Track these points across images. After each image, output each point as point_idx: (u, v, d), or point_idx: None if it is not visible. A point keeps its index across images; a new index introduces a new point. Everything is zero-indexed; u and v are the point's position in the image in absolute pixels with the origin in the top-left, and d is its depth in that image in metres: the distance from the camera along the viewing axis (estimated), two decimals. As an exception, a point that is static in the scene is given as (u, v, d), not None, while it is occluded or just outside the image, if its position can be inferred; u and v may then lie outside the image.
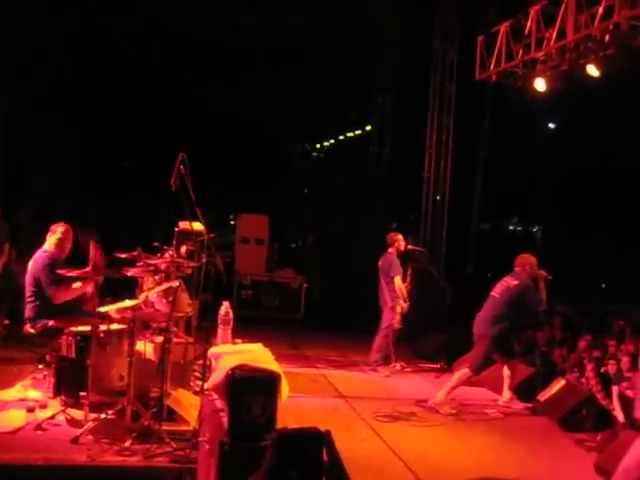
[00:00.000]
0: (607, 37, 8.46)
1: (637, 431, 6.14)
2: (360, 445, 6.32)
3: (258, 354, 3.93)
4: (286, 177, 17.15)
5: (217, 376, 3.71)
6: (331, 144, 18.95)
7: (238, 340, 4.66)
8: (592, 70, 8.97)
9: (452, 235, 13.45)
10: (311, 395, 7.68)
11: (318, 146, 19.93)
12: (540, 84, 9.86)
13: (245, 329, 7.09)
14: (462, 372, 7.69)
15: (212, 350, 4.27)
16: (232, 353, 3.88)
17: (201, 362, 6.27)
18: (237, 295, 11.53)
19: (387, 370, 9.15)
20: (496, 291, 7.79)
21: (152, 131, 15.67)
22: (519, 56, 9.74)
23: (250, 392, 3.56)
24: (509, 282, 7.73)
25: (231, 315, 4.71)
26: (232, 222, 14.59)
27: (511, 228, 31.18)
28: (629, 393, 8.45)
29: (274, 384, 3.61)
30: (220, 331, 4.61)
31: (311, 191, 18.30)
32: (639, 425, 6.53)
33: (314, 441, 0.96)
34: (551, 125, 22.89)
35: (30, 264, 6.50)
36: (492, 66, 10.29)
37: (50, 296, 6.23)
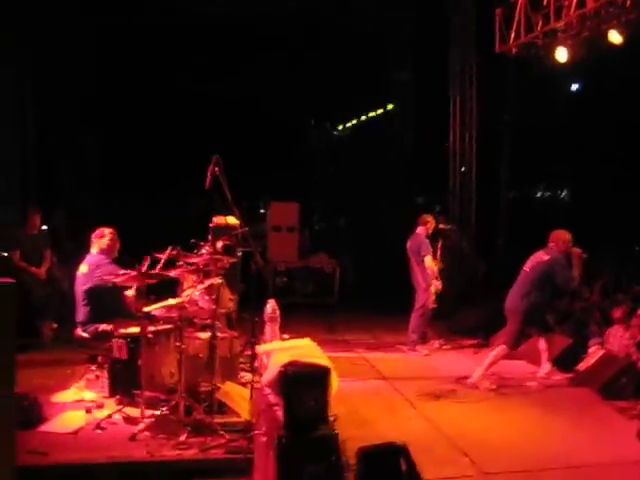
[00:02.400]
0: (628, 2, 8.41)
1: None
2: (405, 425, 6.49)
3: (307, 349, 4.10)
4: (311, 161, 17.23)
5: (270, 373, 3.88)
6: (353, 125, 18.99)
7: (286, 335, 4.82)
8: (614, 36, 8.91)
9: (481, 207, 13.48)
10: (353, 379, 7.79)
11: (341, 127, 19.99)
12: (562, 54, 9.79)
13: (283, 316, 7.29)
14: (499, 348, 7.80)
15: (262, 347, 4.45)
16: (282, 350, 4.04)
17: (247, 354, 6.51)
18: (272, 283, 11.71)
19: (426, 349, 9.29)
20: (527, 266, 7.84)
21: (172, 128, 15.76)
22: (539, 27, 9.67)
23: (303, 387, 3.73)
24: (541, 257, 7.77)
25: (278, 312, 4.87)
26: (262, 211, 14.72)
27: (539, 195, 31.00)
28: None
29: (325, 378, 3.78)
30: (268, 328, 4.77)
31: (337, 173, 18.36)
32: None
33: (393, 453, 1.06)
34: (574, 87, 22.66)
35: (84, 268, 6.68)
36: (512, 39, 10.25)
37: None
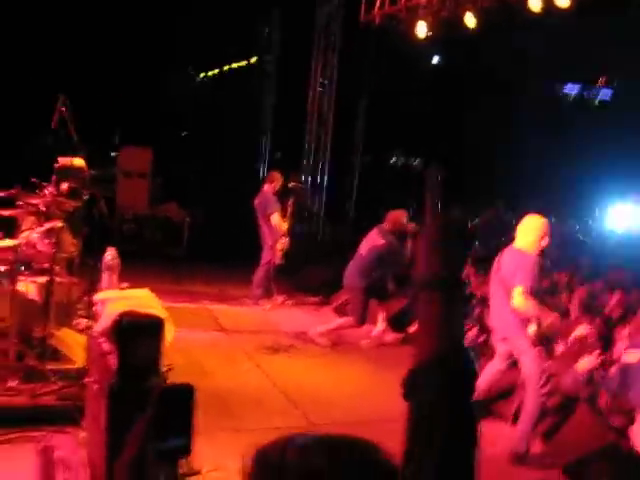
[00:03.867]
0: (484, -13, 8.87)
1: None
2: (242, 378, 6.68)
3: (144, 299, 4.11)
4: (169, 109, 16.78)
5: (104, 321, 3.86)
6: (215, 75, 18.67)
7: (124, 284, 4.78)
8: (469, 19, 9.37)
9: (334, 170, 13.77)
10: (194, 329, 7.87)
11: (202, 75, 19.59)
12: (421, 29, 10.16)
13: (128, 264, 7.17)
14: (347, 319, 8.12)
15: (98, 296, 4.40)
16: (118, 299, 4.03)
17: (86, 301, 6.39)
18: (119, 229, 11.43)
19: (268, 304, 9.47)
20: (363, 249, 8.07)
21: (25, 68, 14.72)
22: (402, 1, 9.99)
23: (136, 336, 3.74)
24: (376, 241, 7.99)
25: (117, 261, 4.80)
26: (113, 154, 14.18)
27: (393, 160, 32.07)
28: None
29: (158, 329, 3.80)
30: (106, 277, 4.70)
31: (195, 123, 18.04)
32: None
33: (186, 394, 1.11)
34: (435, 60, 23.51)
35: None
36: (377, 8, 10.50)
37: None
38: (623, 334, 8.25)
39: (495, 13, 9.22)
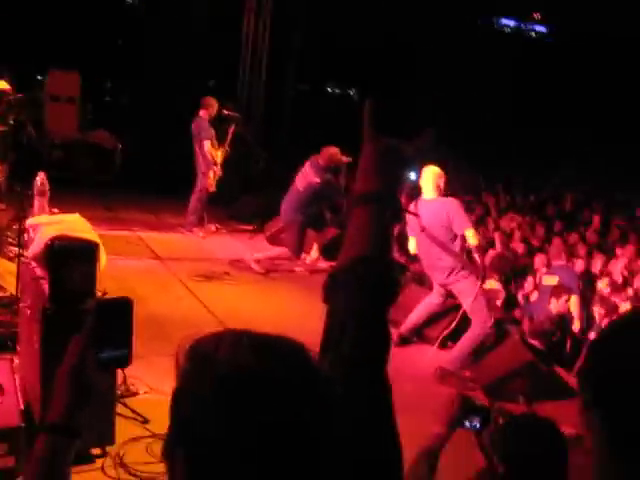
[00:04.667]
0: None
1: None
2: (176, 304, 6.75)
3: (76, 224, 4.08)
4: (100, 28, 16.07)
5: (36, 246, 3.84)
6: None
7: (55, 210, 4.72)
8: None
9: (269, 98, 13.62)
10: (128, 257, 7.84)
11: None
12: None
13: (58, 191, 7.03)
14: (284, 249, 8.21)
15: (30, 221, 4.34)
16: (50, 224, 3.99)
17: (15, 228, 6.28)
18: (48, 156, 11.09)
19: (202, 231, 9.47)
20: (300, 184, 8.05)
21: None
22: None
23: (70, 260, 3.75)
24: (312, 178, 7.99)
25: (47, 186, 4.73)
26: (40, 78, 13.59)
27: (329, 90, 31.84)
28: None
29: (92, 252, 3.81)
30: (37, 202, 4.62)
31: (127, 45, 17.39)
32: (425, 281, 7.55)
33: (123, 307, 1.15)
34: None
35: None
36: None
37: None
38: (542, 261, 8.70)
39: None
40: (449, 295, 6.39)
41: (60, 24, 14.95)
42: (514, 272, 8.89)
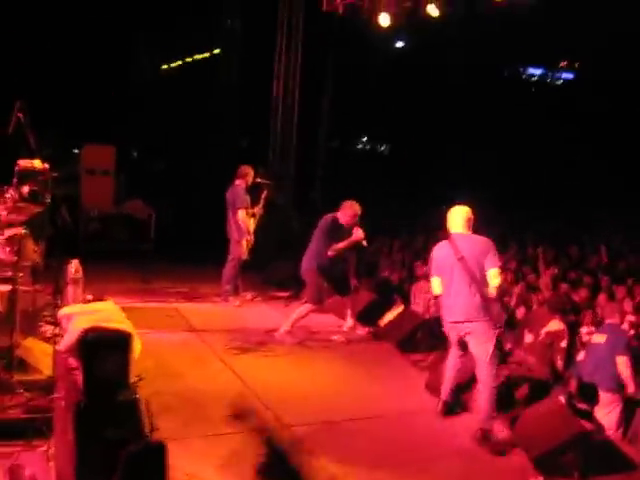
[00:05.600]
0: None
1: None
2: (212, 379, 6.63)
3: (109, 313, 4.04)
4: (132, 103, 16.51)
5: (70, 338, 3.80)
6: (178, 67, 18.42)
7: (89, 296, 4.70)
8: (432, 10, 9.37)
9: (301, 160, 13.70)
10: (163, 330, 7.81)
11: (165, 67, 19.32)
12: (384, 19, 10.15)
13: (94, 264, 7.06)
14: (304, 305, 8.08)
15: (63, 311, 4.32)
16: (83, 314, 3.96)
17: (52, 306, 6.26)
18: (84, 229, 11.25)
19: (237, 300, 9.41)
20: (318, 226, 8.09)
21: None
22: (364, -10, 9.97)
23: (102, 352, 3.70)
24: (327, 218, 8.02)
25: (81, 273, 4.71)
26: (76, 151, 13.92)
27: (360, 147, 32.12)
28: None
29: (125, 343, 3.76)
30: (70, 290, 4.61)
31: (158, 116, 17.81)
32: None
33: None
34: (399, 44, 23.54)
35: None
36: (339, -1, 10.47)
37: None
38: (589, 319, 8.42)
39: (457, 3, 9.25)
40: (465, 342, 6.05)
41: (93, 99, 15.35)
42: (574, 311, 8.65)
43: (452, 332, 6.10)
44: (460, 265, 5.81)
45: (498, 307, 6.02)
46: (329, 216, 8.04)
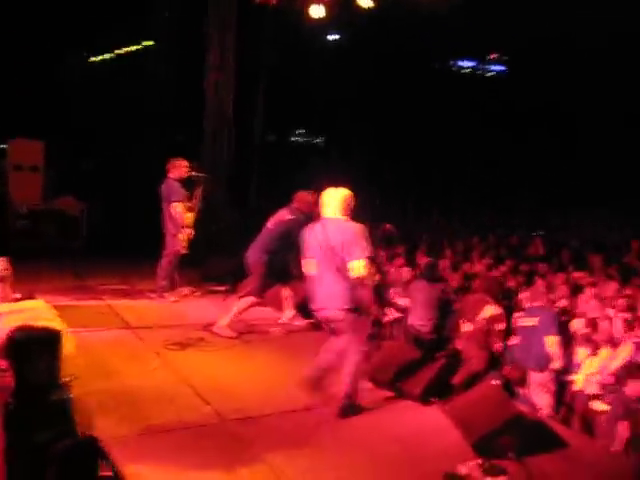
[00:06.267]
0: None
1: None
2: (150, 376, 6.50)
3: (38, 312, 3.93)
4: (60, 97, 16.01)
5: (-3, 338, 3.67)
6: (108, 59, 17.98)
7: (17, 295, 4.54)
8: (363, 1, 9.41)
9: (236, 154, 13.56)
10: (97, 328, 7.63)
11: (94, 59, 18.83)
12: (316, 11, 10.14)
13: (24, 261, 6.85)
14: (244, 299, 7.99)
15: (-10, 310, 4.16)
16: (11, 313, 3.83)
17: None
18: (13, 226, 10.91)
19: (174, 295, 9.27)
20: (270, 222, 8.01)
21: None
22: (297, -19, 9.93)
23: (32, 352, 3.58)
24: (284, 215, 7.94)
25: (9, 272, 4.55)
26: (3, 146, 13.46)
27: (296, 139, 32.01)
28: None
29: (56, 342, 3.65)
30: (-3, 288, 4.46)
31: (88, 112, 17.35)
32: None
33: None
34: (330, 37, 23.60)
35: None
36: (271, -11, 10.40)
37: None
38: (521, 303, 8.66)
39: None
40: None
41: (21, 92, 14.89)
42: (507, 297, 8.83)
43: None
44: (324, 251, 5.64)
45: (368, 295, 5.69)
46: (288, 217, 7.88)
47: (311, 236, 5.83)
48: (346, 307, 5.64)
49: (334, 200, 5.79)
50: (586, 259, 11.30)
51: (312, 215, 7.81)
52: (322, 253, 5.66)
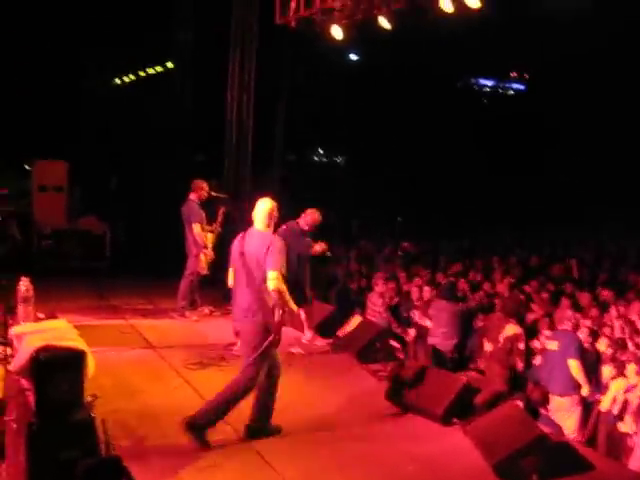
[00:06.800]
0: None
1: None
2: (171, 395, 6.53)
3: (61, 332, 3.96)
4: (84, 118, 16.24)
5: (21, 358, 3.71)
6: (130, 81, 18.21)
7: (41, 315, 4.59)
8: (384, 22, 9.45)
9: (257, 173, 13.63)
10: (120, 348, 7.68)
11: (118, 82, 19.09)
12: (337, 32, 10.20)
13: (48, 282, 6.91)
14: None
15: (14, 330, 4.21)
16: (35, 332, 3.86)
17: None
18: (37, 246, 11.02)
19: (195, 315, 9.30)
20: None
21: None
22: (317, 4, 9.99)
23: (55, 372, 3.61)
24: (290, 225, 8.05)
25: (32, 292, 4.60)
26: (27, 168, 13.65)
27: (316, 159, 32.18)
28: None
29: (79, 361, 3.68)
30: (21, 309, 4.49)
31: (111, 132, 17.57)
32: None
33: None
34: (353, 57, 23.78)
35: None
36: (292, 12, 10.47)
37: None
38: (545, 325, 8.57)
39: (408, 15, 9.33)
40: None
41: (45, 114, 15.11)
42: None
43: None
44: (240, 261, 5.60)
45: (276, 311, 5.46)
46: (292, 224, 8.01)
47: (233, 246, 5.81)
48: (254, 319, 5.52)
49: (258, 212, 5.74)
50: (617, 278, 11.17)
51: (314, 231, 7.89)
52: (239, 264, 5.62)
